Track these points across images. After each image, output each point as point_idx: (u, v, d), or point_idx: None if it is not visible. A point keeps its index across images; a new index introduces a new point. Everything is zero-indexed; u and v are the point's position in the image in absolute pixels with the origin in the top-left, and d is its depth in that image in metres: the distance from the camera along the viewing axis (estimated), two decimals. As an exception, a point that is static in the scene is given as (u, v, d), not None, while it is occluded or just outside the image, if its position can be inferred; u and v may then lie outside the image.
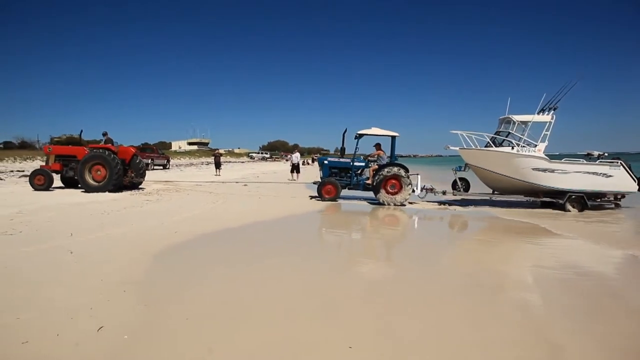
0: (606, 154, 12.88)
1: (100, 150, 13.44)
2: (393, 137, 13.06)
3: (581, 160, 12.64)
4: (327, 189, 12.77)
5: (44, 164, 14.56)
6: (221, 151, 40.13)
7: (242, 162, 65.31)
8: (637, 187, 12.15)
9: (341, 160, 13.57)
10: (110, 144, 14.05)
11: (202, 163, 49.21)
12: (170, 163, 36.51)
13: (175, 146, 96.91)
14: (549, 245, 7.49)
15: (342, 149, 13.53)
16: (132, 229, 7.32)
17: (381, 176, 12.39)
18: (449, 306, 4.07)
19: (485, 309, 4.05)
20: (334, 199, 12.69)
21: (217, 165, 26.47)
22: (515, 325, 3.62)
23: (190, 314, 3.61)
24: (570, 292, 4.70)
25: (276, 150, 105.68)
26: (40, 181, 13.04)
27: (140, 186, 14.76)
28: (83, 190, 13.05)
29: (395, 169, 12.46)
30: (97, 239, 6.46)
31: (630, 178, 12.06)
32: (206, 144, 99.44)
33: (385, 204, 12.29)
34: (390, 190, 12.41)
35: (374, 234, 8.61)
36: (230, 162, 58.04)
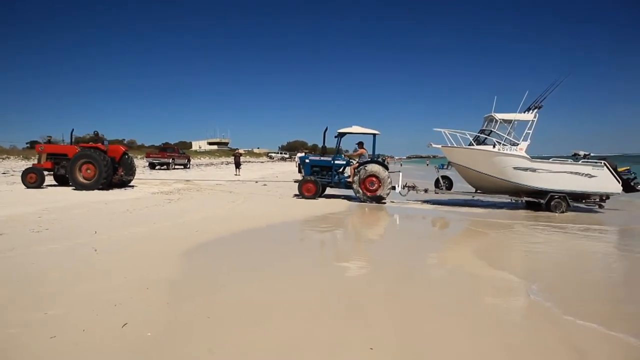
0: (592, 154, 12.62)
1: (89, 149, 13.73)
2: (374, 135, 13.34)
3: (568, 160, 12.39)
4: (307, 187, 12.99)
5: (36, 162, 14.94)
6: (241, 151, 40.32)
7: (262, 162, 65.70)
8: (621, 188, 11.84)
9: (322, 158, 13.76)
10: (100, 143, 14.31)
11: (222, 163, 49.67)
12: (191, 162, 36.98)
13: (195, 146, 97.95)
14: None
15: (324, 148, 13.91)
16: (154, 228, 7.44)
17: (360, 174, 12.61)
18: (470, 310, 4.02)
19: (512, 314, 3.99)
20: (314, 197, 12.87)
21: (237, 165, 26.69)
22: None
23: (211, 312, 3.64)
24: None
25: (295, 150, 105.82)
26: (32, 179, 13.38)
27: (130, 184, 15.10)
28: (74, 188, 13.35)
29: (375, 166, 12.66)
30: (120, 237, 6.59)
31: (614, 179, 11.72)
32: (226, 144, 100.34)
33: (364, 201, 12.53)
34: (370, 188, 12.63)
35: (391, 237, 8.57)
36: (249, 162, 58.42)
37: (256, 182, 19.56)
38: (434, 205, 12.80)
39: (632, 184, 12.17)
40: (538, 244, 7.60)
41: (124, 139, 73.27)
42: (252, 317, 3.60)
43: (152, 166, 30.40)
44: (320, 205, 11.63)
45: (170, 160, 30.58)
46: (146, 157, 32.74)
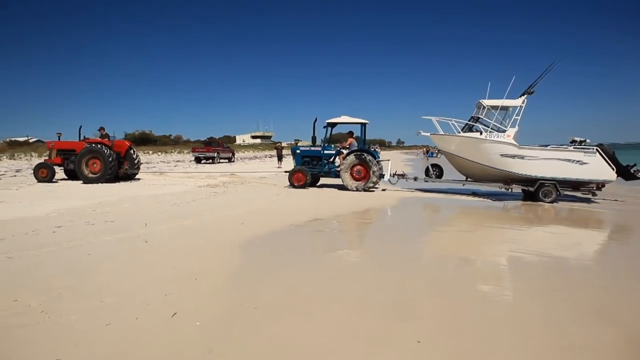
0: (588, 141, 11.84)
1: (96, 145, 14.29)
2: (363, 125, 13.49)
3: (565, 146, 11.76)
4: (297, 177, 13.25)
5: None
6: (283, 144, 40.69)
7: (304, 154, 65.90)
8: (616, 175, 11.05)
9: (312, 148, 14.01)
10: (106, 139, 14.83)
11: (265, 156, 50.32)
12: (235, 156, 37.70)
13: (239, 140, 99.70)
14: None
15: (313, 138, 14.13)
16: (201, 220, 7.62)
17: (347, 163, 12.69)
18: (522, 305, 3.85)
19: (564, 309, 3.79)
20: (303, 186, 13.05)
21: (279, 157, 27.04)
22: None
23: (258, 303, 3.68)
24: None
25: (337, 142, 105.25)
26: (43, 174, 14.15)
27: (136, 177, 15.70)
28: (82, 182, 13.94)
29: (362, 155, 12.68)
30: (169, 229, 6.80)
31: (608, 166, 10.89)
32: (269, 137, 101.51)
33: (352, 190, 12.57)
34: (356, 176, 12.74)
35: (434, 230, 8.38)
36: (291, 154, 58.83)
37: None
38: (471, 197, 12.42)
39: (632, 171, 11.41)
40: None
41: (171, 135, 75.89)
42: (299, 308, 3.61)
43: (198, 160, 31.26)
44: (364, 198, 11.52)
45: (216, 154, 31.30)
46: (192, 151, 33.66)
